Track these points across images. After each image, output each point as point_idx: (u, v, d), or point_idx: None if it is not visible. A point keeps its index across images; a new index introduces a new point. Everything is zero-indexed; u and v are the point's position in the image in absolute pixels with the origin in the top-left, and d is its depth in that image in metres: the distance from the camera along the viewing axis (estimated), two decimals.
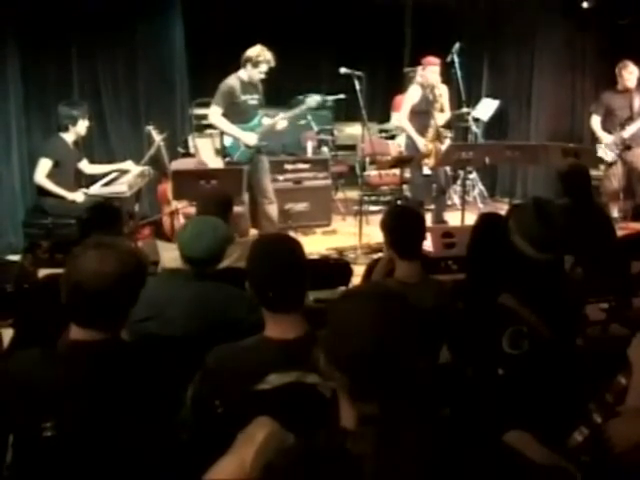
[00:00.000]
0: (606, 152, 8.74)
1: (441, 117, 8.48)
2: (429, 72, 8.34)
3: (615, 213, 8.82)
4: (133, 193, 7.29)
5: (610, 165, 8.80)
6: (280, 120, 7.86)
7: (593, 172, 7.36)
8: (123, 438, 2.24)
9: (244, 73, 7.54)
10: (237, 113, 7.63)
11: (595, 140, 8.95)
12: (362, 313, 1.72)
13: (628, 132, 8.62)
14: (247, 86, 7.61)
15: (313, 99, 8.17)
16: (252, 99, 7.68)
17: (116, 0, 7.81)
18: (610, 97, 8.84)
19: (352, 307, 1.78)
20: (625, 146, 8.69)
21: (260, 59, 7.41)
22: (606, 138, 8.78)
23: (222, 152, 7.81)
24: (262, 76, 7.56)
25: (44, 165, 7.17)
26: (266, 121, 7.80)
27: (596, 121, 8.94)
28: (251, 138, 7.61)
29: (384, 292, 1.86)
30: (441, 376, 2.79)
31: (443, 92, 8.52)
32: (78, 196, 7.24)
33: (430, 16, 11.59)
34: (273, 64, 7.49)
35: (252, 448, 1.92)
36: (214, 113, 7.66)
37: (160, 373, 2.41)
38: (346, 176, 10.45)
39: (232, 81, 7.59)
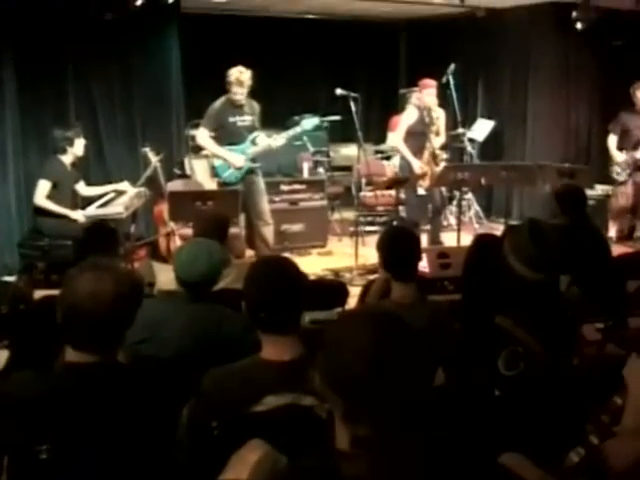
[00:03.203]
0: (618, 170, 8.84)
1: (437, 140, 8.51)
2: (426, 95, 8.36)
3: (612, 232, 8.88)
4: (129, 214, 7.28)
5: (621, 184, 8.89)
6: (274, 141, 7.87)
7: (589, 192, 7.43)
8: (119, 461, 2.23)
9: (230, 95, 7.57)
10: (227, 135, 7.67)
11: (609, 158, 9.04)
12: (358, 335, 1.72)
13: None
14: (235, 108, 7.62)
15: (309, 121, 8.17)
16: (242, 121, 7.69)
17: (112, 22, 7.83)
18: (627, 117, 8.96)
19: (348, 329, 1.78)
20: (637, 166, 8.78)
21: (230, 80, 7.45)
22: (619, 157, 8.88)
23: (212, 172, 7.84)
24: (237, 97, 7.54)
25: (43, 187, 7.16)
26: (262, 141, 7.81)
27: (612, 140, 9.06)
28: (238, 160, 7.63)
29: (381, 314, 1.86)
30: (437, 397, 2.79)
31: (440, 115, 8.56)
32: (80, 215, 7.24)
33: (425, 37, 11.68)
34: (247, 85, 7.48)
35: (245, 470, 1.92)
36: (201, 135, 7.76)
37: (156, 395, 2.41)
38: (342, 197, 10.46)
39: (218, 103, 7.64)
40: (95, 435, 2.22)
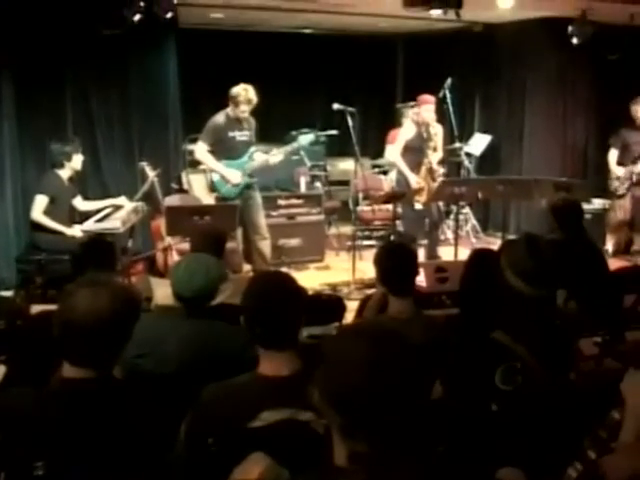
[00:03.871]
0: (617, 184, 8.90)
1: (434, 156, 8.51)
2: (424, 111, 8.36)
3: (609, 246, 8.90)
4: (126, 229, 7.26)
5: (619, 197, 8.95)
6: (272, 157, 7.88)
7: (586, 206, 7.45)
8: (115, 477, 2.22)
9: (231, 110, 7.58)
10: (225, 149, 7.68)
11: (608, 172, 9.13)
12: (355, 350, 1.72)
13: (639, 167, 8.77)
14: (235, 123, 7.64)
15: (306, 137, 8.19)
16: (241, 135, 7.71)
17: (110, 37, 7.84)
18: (627, 133, 9.03)
19: (346, 344, 1.78)
20: (635, 180, 8.82)
21: (240, 99, 7.45)
22: (618, 171, 8.94)
23: (210, 187, 7.85)
24: (245, 115, 7.58)
25: (40, 202, 7.15)
26: (258, 156, 7.83)
27: (613, 154, 9.15)
28: (235, 176, 7.64)
29: (378, 330, 1.86)
30: (434, 412, 2.78)
31: (438, 131, 8.55)
32: (76, 231, 7.22)
33: (422, 52, 11.71)
34: (255, 102, 7.51)
35: None
36: (199, 149, 7.76)
37: (153, 411, 2.40)
38: (339, 211, 10.47)
39: (218, 118, 7.65)
40: (91, 451, 2.21)
